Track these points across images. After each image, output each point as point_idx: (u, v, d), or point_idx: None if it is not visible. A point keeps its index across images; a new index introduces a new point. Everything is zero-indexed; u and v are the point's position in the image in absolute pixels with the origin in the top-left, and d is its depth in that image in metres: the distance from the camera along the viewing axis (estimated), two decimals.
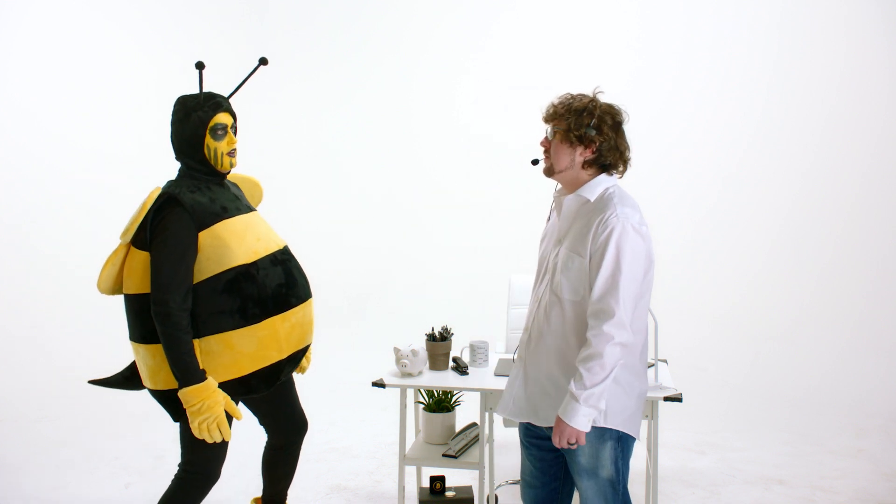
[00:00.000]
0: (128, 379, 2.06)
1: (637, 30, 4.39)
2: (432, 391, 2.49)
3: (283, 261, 1.97)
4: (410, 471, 2.73)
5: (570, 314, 1.64)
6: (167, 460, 3.05)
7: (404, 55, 4.58)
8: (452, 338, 2.46)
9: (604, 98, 1.70)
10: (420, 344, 2.39)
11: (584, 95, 1.69)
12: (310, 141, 4.64)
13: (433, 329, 2.44)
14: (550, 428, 1.66)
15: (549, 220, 1.81)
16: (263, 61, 2.04)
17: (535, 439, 1.78)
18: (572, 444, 1.59)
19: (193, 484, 1.93)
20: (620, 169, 1.70)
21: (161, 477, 2.89)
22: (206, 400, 1.80)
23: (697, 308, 4.02)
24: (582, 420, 1.55)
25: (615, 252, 1.56)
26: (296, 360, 2.00)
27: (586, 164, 1.67)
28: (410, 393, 2.46)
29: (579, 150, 1.66)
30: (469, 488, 2.56)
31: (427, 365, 2.39)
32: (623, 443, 1.68)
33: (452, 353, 2.45)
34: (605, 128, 1.64)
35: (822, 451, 3.20)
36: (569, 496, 1.84)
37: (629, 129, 1.70)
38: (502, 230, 4.28)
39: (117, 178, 4.16)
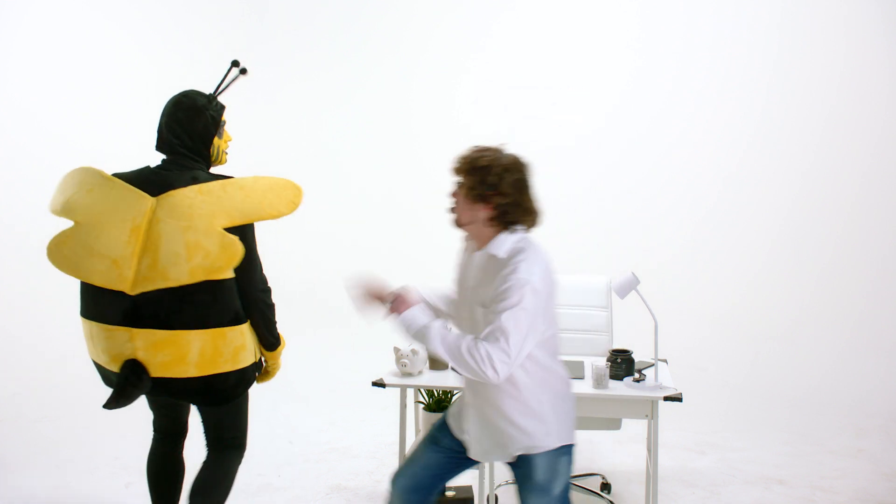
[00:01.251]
0: (135, 387, 1.90)
1: (637, 30, 4.39)
2: (432, 391, 2.50)
3: None
4: None
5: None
6: None
7: (404, 55, 4.58)
8: None
9: (515, 149, 1.70)
10: (420, 344, 2.39)
11: (488, 151, 1.69)
12: (310, 141, 4.64)
13: None
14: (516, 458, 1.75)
15: (463, 252, 1.84)
16: (235, 63, 2.10)
17: (450, 440, 1.83)
18: (388, 311, 1.71)
19: (242, 453, 2.12)
20: (527, 225, 1.71)
21: None
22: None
23: (697, 308, 4.02)
24: (409, 319, 1.68)
25: (517, 305, 1.59)
26: None
27: (489, 221, 1.69)
28: (410, 393, 2.47)
29: (481, 207, 1.68)
30: (469, 488, 2.56)
31: (427, 365, 2.40)
32: (571, 455, 1.76)
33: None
34: (504, 186, 1.65)
35: (822, 451, 3.20)
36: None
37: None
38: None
39: None
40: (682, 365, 3.36)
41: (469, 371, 1.60)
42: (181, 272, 1.78)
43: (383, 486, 2.84)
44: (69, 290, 4.16)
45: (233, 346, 1.91)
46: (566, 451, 1.74)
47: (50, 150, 4.06)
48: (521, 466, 1.74)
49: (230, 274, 1.89)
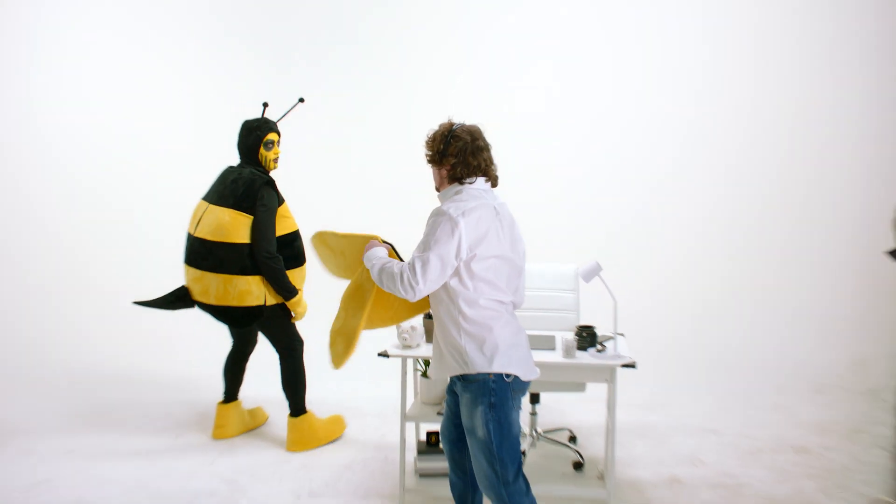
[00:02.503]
0: (173, 302, 2.63)
1: (634, 31, 4.11)
2: (428, 360, 2.54)
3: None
4: (410, 426, 2.81)
5: (440, 294, 1.77)
6: (208, 416, 3.11)
7: (404, 59, 4.28)
8: None
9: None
10: (418, 321, 2.45)
11: (440, 126, 1.83)
12: (332, 146, 4.45)
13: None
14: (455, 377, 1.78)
15: None
16: (301, 100, 2.83)
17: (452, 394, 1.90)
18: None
19: (301, 351, 2.74)
20: (473, 179, 1.79)
21: (205, 430, 2.96)
22: (302, 300, 2.67)
23: (649, 290, 4.07)
24: (372, 252, 1.83)
25: (429, 230, 1.72)
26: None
27: (448, 181, 1.82)
28: (410, 362, 2.52)
29: (440, 170, 1.82)
30: None
31: (424, 338, 2.44)
32: (497, 409, 1.70)
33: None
34: (451, 150, 1.78)
35: (748, 405, 3.31)
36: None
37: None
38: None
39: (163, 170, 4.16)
40: (636, 338, 3.46)
41: (390, 288, 1.73)
42: (209, 232, 2.53)
43: (388, 438, 2.92)
44: (127, 272, 4.12)
45: (238, 289, 2.48)
46: (483, 398, 1.68)
47: (118, 147, 4.09)
48: (458, 393, 1.79)
49: (240, 239, 2.41)
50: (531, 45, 4.20)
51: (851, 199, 3.97)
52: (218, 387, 3.16)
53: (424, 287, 1.68)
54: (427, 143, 1.84)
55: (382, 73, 4.32)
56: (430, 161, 1.84)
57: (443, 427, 1.94)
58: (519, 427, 1.77)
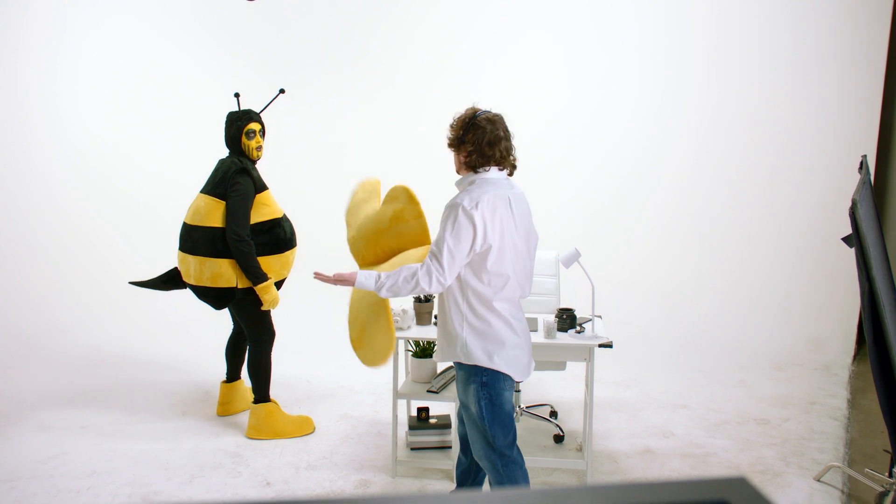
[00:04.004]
0: (166, 282, 2.60)
1: (602, 21, 4.01)
2: (419, 341, 2.53)
3: (286, 220, 2.61)
4: (402, 403, 2.78)
5: (451, 284, 1.73)
6: (213, 394, 3.06)
7: (403, 59, 4.22)
8: (434, 300, 2.49)
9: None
10: (409, 305, 2.42)
11: (461, 113, 1.75)
12: (323, 141, 4.46)
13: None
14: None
15: None
16: (282, 90, 2.68)
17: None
18: (332, 281, 1.72)
19: (268, 343, 2.60)
20: (488, 168, 1.72)
21: (210, 407, 2.92)
22: (271, 288, 2.49)
23: (624, 276, 4.08)
24: (362, 280, 1.69)
25: (444, 224, 1.67)
26: (281, 283, 2.63)
27: (465, 167, 1.74)
28: (402, 343, 2.50)
29: (458, 154, 1.75)
30: (447, 416, 2.63)
31: (415, 321, 2.42)
32: (489, 387, 1.69)
33: (434, 312, 2.48)
34: (469, 137, 1.69)
35: (714, 382, 3.33)
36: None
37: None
38: None
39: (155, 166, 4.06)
40: (612, 321, 3.46)
41: (414, 291, 1.64)
42: (189, 217, 2.51)
43: (381, 414, 2.89)
44: (140, 253, 4.06)
45: (210, 271, 2.43)
46: (476, 377, 1.67)
47: (121, 146, 3.94)
48: (456, 378, 1.78)
49: (213, 223, 2.44)
50: (505, 32, 4.13)
51: (810, 190, 3.96)
52: (221, 367, 3.12)
53: (450, 278, 1.64)
54: (450, 126, 1.76)
55: (374, 69, 4.27)
56: (449, 145, 1.75)
57: (458, 409, 1.93)
58: (511, 404, 1.75)
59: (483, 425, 1.71)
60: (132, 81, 4.06)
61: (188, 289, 2.60)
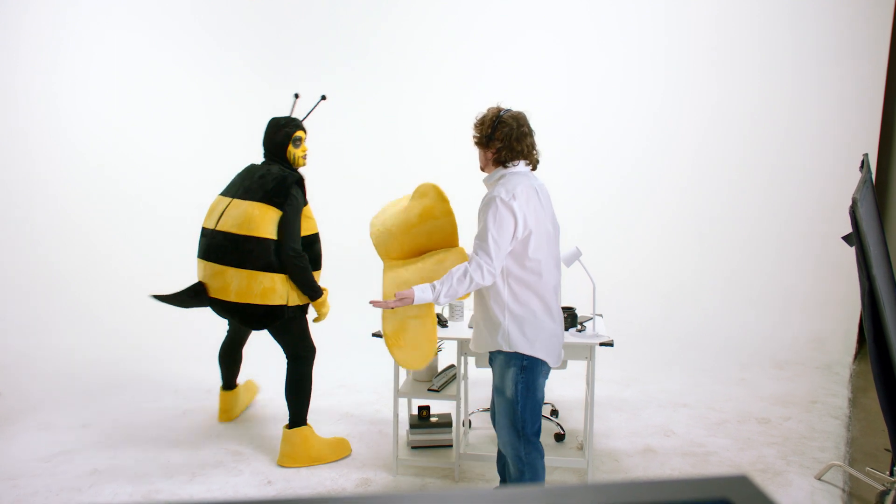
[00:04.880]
0: (192, 298, 2.34)
1: (603, 21, 4.02)
2: None
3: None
4: (403, 402, 2.79)
5: None
6: (214, 392, 3.07)
7: (403, 59, 4.22)
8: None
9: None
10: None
11: (489, 110, 1.80)
12: (325, 141, 4.41)
13: None
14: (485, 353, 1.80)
15: None
16: (323, 97, 2.57)
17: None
18: (392, 305, 1.72)
19: (310, 360, 2.43)
20: (516, 163, 1.79)
21: (211, 406, 2.92)
22: (327, 301, 2.39)
23: (625, 275, 4.08)
24: (420, 294, 1.70)
25: (485, 218, 1.72)
26: None
27: (493, 163, 1.79)
28: None
29: (486, 152, 1.79)
30: (448, 415, 2.62)
31: None
32: (528, 371, 1.75)
33: (436, 311, 2.48)
34: (498, 135, 1.75)
35: (715, 381, 3.32)
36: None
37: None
38: (475, 218, 4.24)
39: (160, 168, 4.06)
40: (613, 319, 3.46)
41: (470, 287, 1.68)
42: (234, 226, 2.25)
43: (381, 413, 2.89)
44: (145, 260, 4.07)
45: (262, 286, 2.21)
46: (517, 361, 1.73)
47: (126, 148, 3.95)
48: (492, 365, 1.80)
49: (268, 234, 2.21)
50: (505, 32, 4.14)
51: (811, 189, 3.96)
52: None
53: (498, 268, 1.69)
54: (475, 125, 1.81)
55: (374, 68, 4.27)
56: (477, 143, 1.81)
57: (492, 404, 1.96)
58: (543, 392, 1.80)
59: (516, 410, 1.75)
60: (132, 81, 4.05)
61: (214, 309, 2.32)
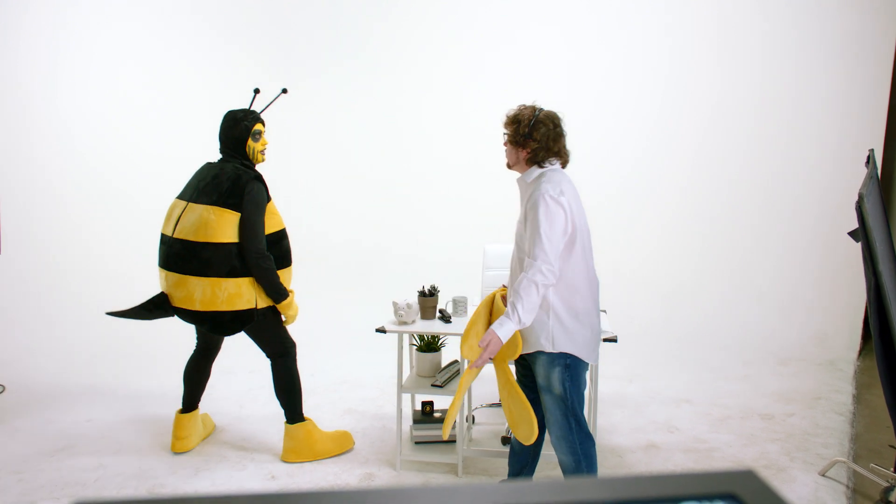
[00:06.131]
0: (151, 311, 2.24)
1: (608, 16, 3.99)
2: (423, 335, 2.53)
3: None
4: (406, 397, 2.79)
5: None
6: (218, 388, 3.07)
7: (403, 54, 4.21)
8: (439, 294, 2.50)
9: (547, 107, 1.81)
10: (413, 299, 2.42)
11: (526, 108, 1.79)
12: (326, 138, 4.48)
13: (424, 287, 2.47)
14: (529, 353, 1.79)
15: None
16: (284, 90, 2.41)
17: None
18: (487, 354, 1.68)
19: (293, 354, 2.35)
20: (552, 161, 1.79)
21: (214, 401, 2.92)
22: (293, 303, 2.28)
23: (628, 271, 4.07)
24: (499, 331, 1.67)
25: (535, 216, 1.70)
26: None
27: (527, 161, 1.78)
28: (406, 337, 2.50)
29: (520, 150, 1.78)
30: None
31: (419, 315, 2.41)
32: (572, 369, 1.77)
33: (439, 306, 2.49)
34: (535, 134, 1.75)
35: (718, 377, 3.31)
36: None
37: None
38: (479, 211, 4.25)
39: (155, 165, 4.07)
40: (616, 315, 3.45)
41: (540, 291, 1.66)
42: (191, 233, 2.14)
43: (385, 409, 2.89)
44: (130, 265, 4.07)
45: (227, 293, 2.13)
46: (560, 360, 1.74)
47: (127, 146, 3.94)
48: (533, 365, 1.80)
49: (227, 239, 2.12)
50: (506, 28, 4.11)
51: (817, 184, 3.93)
52: (224, 357, 3.09)
53: (556, 264, 1.68)
54: (508, 124, 1.79)
55: (375, 65, 4.26)
56: (510, 141, 1.80)
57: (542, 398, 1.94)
58: (586, 384, 1.82)
59: (566, 406, 1.77)
60: (132, 81, 4.05)
61: (181, 317, 2.22)
